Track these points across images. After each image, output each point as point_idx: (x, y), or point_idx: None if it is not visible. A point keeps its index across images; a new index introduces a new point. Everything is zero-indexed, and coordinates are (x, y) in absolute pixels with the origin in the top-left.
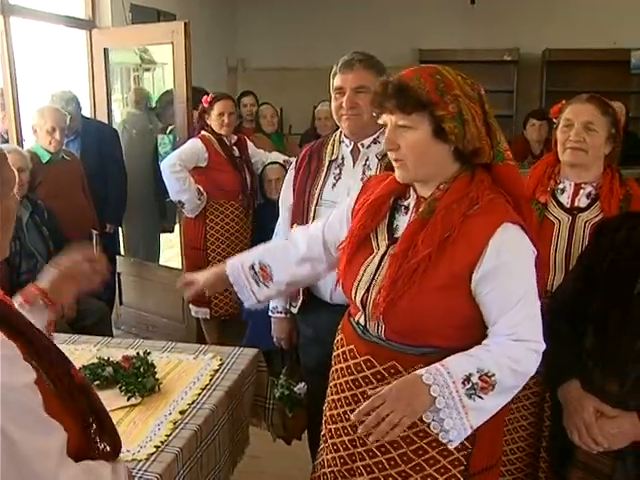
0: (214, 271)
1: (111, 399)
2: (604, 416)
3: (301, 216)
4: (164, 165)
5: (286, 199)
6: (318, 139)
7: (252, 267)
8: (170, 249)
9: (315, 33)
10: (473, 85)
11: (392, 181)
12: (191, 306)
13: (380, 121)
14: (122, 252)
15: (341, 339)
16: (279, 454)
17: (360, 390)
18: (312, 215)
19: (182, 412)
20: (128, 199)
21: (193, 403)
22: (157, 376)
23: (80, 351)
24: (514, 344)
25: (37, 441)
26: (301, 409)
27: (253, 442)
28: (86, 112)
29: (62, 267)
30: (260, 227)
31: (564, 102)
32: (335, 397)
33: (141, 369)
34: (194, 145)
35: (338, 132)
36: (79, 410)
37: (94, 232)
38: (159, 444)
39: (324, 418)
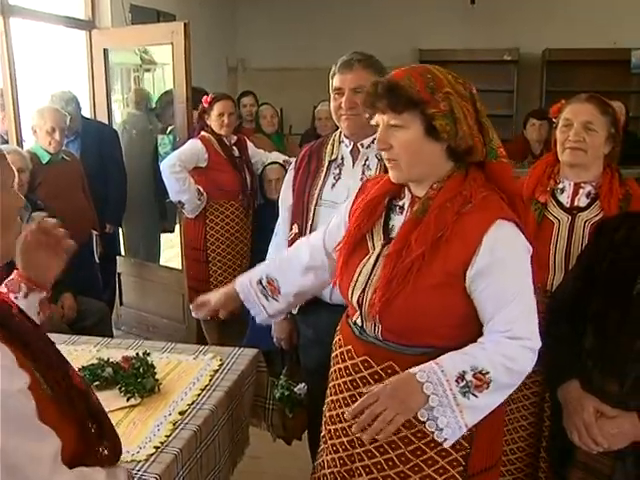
0: (224, 291)
1: (110, 400)
2: (604, 416)
3: (301, 216)
4: (164, 165)
5: (286, 199)
6: (318, 139)
7: (260, 282)
8: (170, 249)
9: (315, 33)
10: (464, 84)
11: (387, 182)
12: (191, 306)
13: (373, 122)
14: (122, 252)
15: (339, 340)
16: (279, 454)
17: (358, 391)
18: (312, 215)
19: (182, 413)
20: (128, 199)
21: (193, 404)
22: (157, 377)
23: (80, 352)
24: (509, 342)
25: (30, 447)
26: (301, 409)
27: (253, 442)
28: (86, 113)
29: (20, 243)
30: (260, 227)
31: (563, 102)
32: (334, 398)
33: (141, 370)
34: (194, 145)
35: (338, 132)
36: (77, 414)
37: (94, 233)
38: (158, 445)
39: (324, 419)
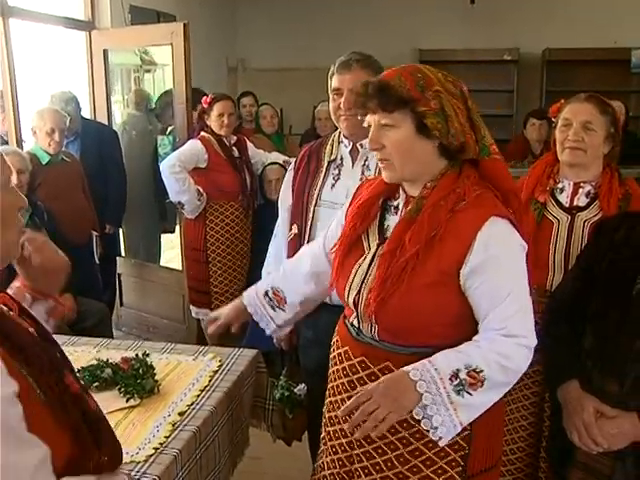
0: (233, 306)
1: (110, 401)
2: (604, 416)
3: (300, 217)
4: (163, 166)
5: (285, 199)
6: (317, 139)
7: (266, 294)
8: (171, 250)
9: (315, 33)
10: (454, 82)
11: (381, 182)
12: (192, 307)
13: (365, 124)
14: (123, 253)
15: (337, 341)
16: (279, 455)
17: (355, 392)
18: (311, 216)
19: (181, 413)
20: (128, 200)
21: (192, 404)
22: (156, 377)
23: (80, 353)
24: (504, 340)
25: (10, 458)
26: (301, 410)
27: (253, 443)
28: (86, 113)
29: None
30: (260, 228)
31: (563, 101)
32: (332, 399)
33: (140, 370)
34: (194, 146)
35: (337, 132)
36: (71, 420)
37: (94, 233)
38: (158, 446)
39: (323, 420)
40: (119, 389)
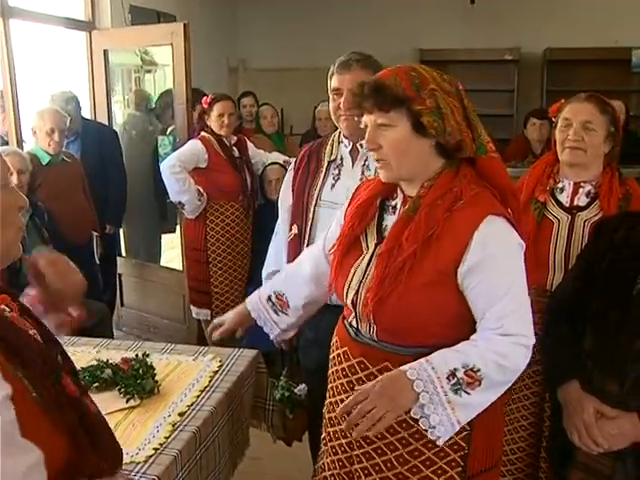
0: (237, 311)
1: (110, 401)
2: (604, 417)
3: (300, 217)
4: (164, 166)
5: (285, 200)
6: (317, 139)
7: (269, 298)
8: (172, 250)
9: (315, 33)
10: (450, 81)
11: (379, 182)
12: (192, 307)
13: (362, 125)
14: (123, 253)
15: (336, 341)
16: (280, 455)
17: None
18: (311, 216)
19: (181, 414)
20: (128, 200)
21: (192, 405)
22: (156, 378)
23: (80, 353)
24: (501, 339)
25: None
26: (301, 410)
27: (254, 443)
28: (86, 114)
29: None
30: (260, 228)
31: (563, 101)
32: (332, 400)
33: (140, 371)
34: (194, 146)
35: (337, 132)
36: (68, 423)
37: (94, 234)
38: (158, 446)
39: (324, 421)
40: (119, 389)
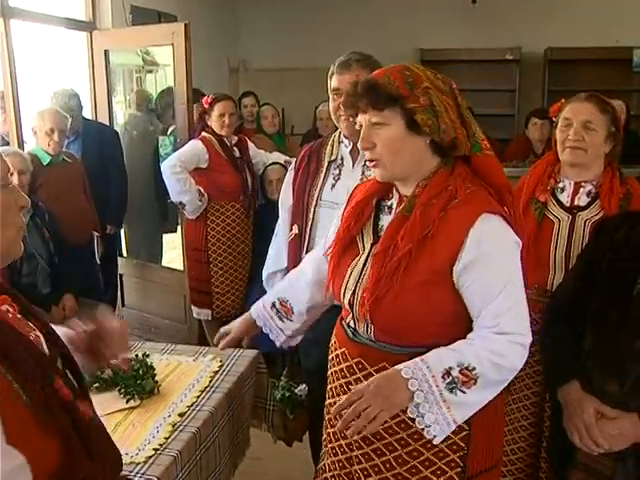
0: (242, 319)
1: (110, 402)
2: (604, 417)
3: (301, 217)
4: (164, 166)
5: (286, 200)
6: (318, 140)
7: (273, 305)
8: (173, 250)
9: (316, 33)
10: (444, 79)
11: (374, 183)
12: (193, 307)
13: (357, 126)
14: (124, 254)
15: (334, 342)
16: (280, 456)
17: None
18: (312, 216)
19: (181, 414)
20: (129, 200)
21: (192, 405)
22: (156, 378)
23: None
24: (497, 337)
25: None
26: (302, 410)
27: (254, 444)
28: (87, 114)
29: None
30: (261, 228)
31: (563, 101)
32: (331, 400)
33: (140, 371)
34: (194, 146)
35: (337, 132)
36: (60, 427)
37: (95, 234)
38: (157, 447)
39: (324, 422)
40: (119, 390)
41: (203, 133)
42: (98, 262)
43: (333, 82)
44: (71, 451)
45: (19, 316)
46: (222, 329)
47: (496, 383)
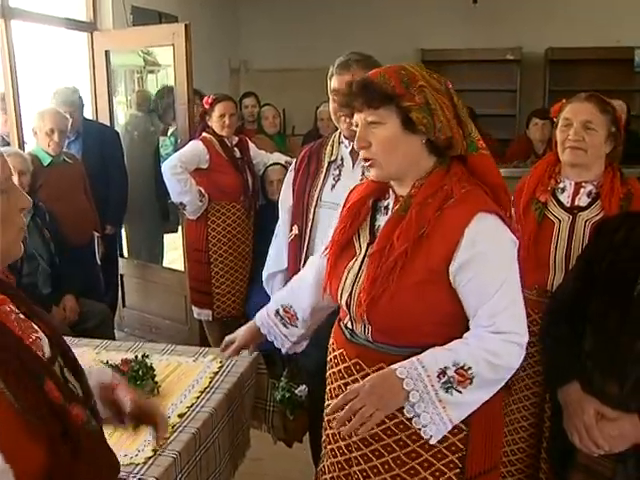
0: (246, 328)
1: None
2: (604, 418)
3: (301, 217)
4: (165, 167)
5: (285, 200)
6: (318, 140)
7: (277, 312)
8: (174, 251)
9: (317, 34)
10: (439, 79)
11: (370, 183)
12: (194, 308)
13: (353, 127)
14: (125, 254)
15: (332, 343)
16: (280, 456)
17: None
18: (312, 217)
19: (181, 415)
20: (130, 201)
21: (192, 406)
22: (156, 379)
23: (80, 354)
24: (492, 336)
25: None
26: (302, 411)
27: (254, 444)
28: (88, 114)
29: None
30: (262, 228)
31: (564, 101)
32: (330, 402)
33: (139, 372)
34: (195, 147)
35: (337, 133)
36: (47, 430)
37: (96, 234)
38: (157, 448)
39: (324, 424)
40: None
41: (204, 134)
42: (99, 262)
43: (333, 83)
44: (59, 456)
45: (22, 316)
46: (227, 338)
47: (492, 383)
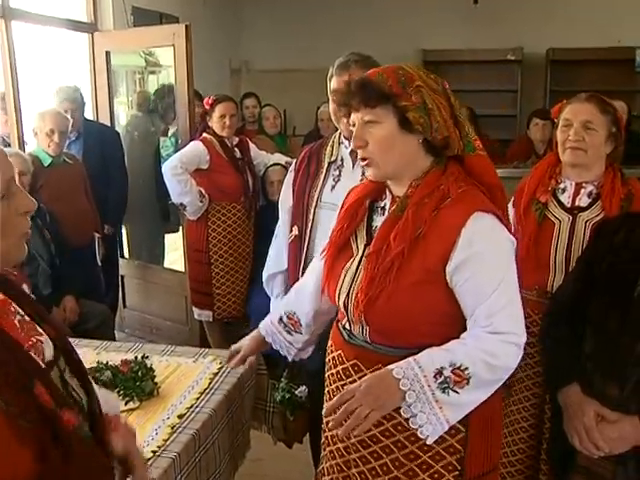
0: (251, 337)
1: None
2: (604, 420)
3: (301, 218)
4: (165, 167)
5: (285, 201)
6: (318, 140)
7: (281, 320)
8: (175, 251)
9: (317, 34)
10: (436, 79)
11: (367, 184)
12: (194, 309)
13: (351, 127)
14: (126, 255)
15: (331, 345)
16: (281, 457)
17: None
18: (312, 217)
19: (180, 416)
20: (131, 201)
21: (192, 407)
22: (156, 380)
23: (81, 355)
24: (490, 337)
25: None
26: (302, 412)
27: (255, 445)
28: (89, 115)
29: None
30: (262, 229)
31: (564, 102)
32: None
33: (139, 373)
34: (195, 147)
35: (337, 134)
36: (36, 435)
37: (96, 235)
38: (156, 449)
39: (323, 425)
40: (118, 392)
41: (204, 134)
42: (99, 263)
43: (332, 83)
44: (48, 461)
45: (26, 318)
46: (232, 347)
47: (489, 383)
